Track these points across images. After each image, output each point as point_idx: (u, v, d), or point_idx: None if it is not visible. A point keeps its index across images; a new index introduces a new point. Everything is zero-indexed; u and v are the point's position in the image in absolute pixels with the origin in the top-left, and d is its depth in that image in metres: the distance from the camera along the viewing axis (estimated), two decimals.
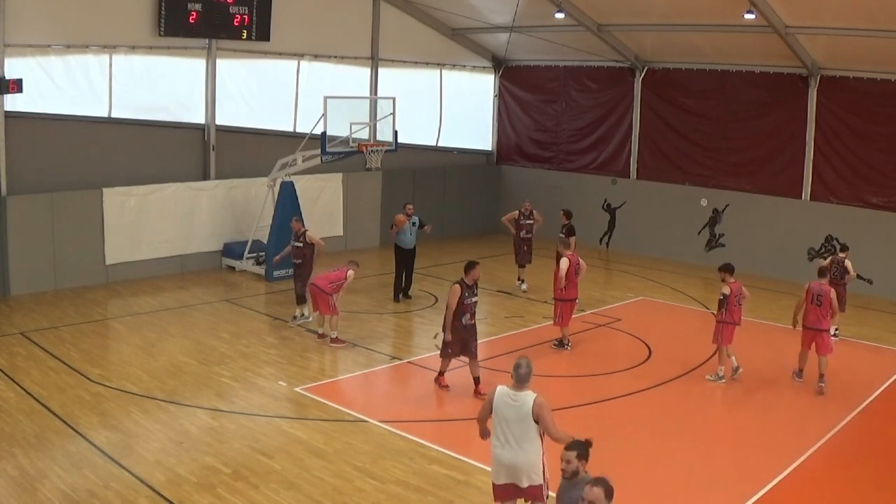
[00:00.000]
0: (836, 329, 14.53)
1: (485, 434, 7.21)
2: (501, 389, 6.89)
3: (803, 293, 11.94)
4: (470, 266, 10.93)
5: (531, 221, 17.08)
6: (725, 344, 11.88)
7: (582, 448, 5.90)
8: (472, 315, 10.96)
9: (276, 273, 16.92)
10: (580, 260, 13.55)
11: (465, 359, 11.23)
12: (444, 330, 10.97)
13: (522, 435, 6.74)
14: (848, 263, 14.19)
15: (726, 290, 11.79)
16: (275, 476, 8.64)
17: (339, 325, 13.35)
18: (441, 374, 11.38)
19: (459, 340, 10.93)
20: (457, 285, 10.80)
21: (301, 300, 14.33)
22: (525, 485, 6.86)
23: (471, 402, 10.70)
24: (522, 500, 7.07)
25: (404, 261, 16.22)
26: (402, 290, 16.25)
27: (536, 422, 6.71)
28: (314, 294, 13.20)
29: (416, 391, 12.02)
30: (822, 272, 12.26)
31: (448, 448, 9.35)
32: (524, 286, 17.00)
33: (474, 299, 10.95)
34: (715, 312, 12.15)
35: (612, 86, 21.95)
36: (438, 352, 11.34)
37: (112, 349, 13.04)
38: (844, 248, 14.63)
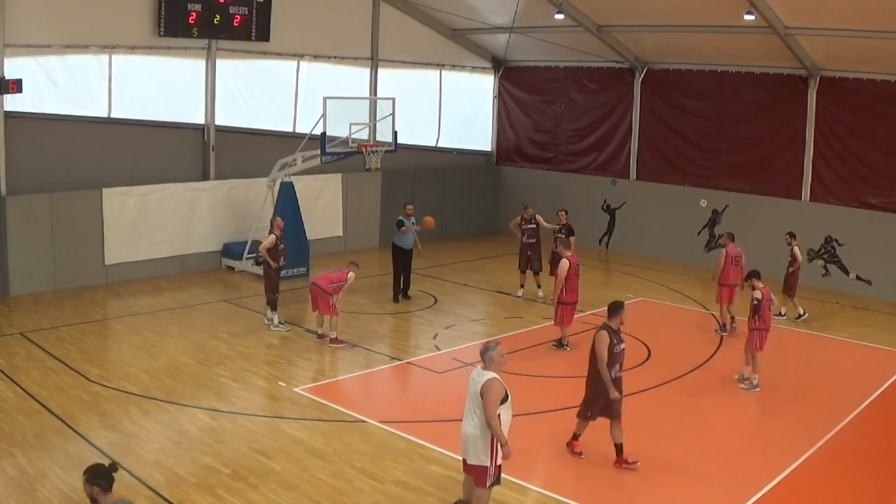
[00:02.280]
0: (785, 312, 15.60)
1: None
2: (477, 367, 7.41)
3: (721, 258, 14.42)
4: (618, 308, 9.11)
5: (533, 226, 16.62)
6: (760, 350, 11.72)
7: (94, 472, 5.07)
8: (622, 366, 9.10)
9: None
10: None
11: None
12: (609, 388, 8.87)
13: (472, 410, 7.23)
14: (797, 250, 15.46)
15: (758, 296, 11.64)
16: (274, 476, 8.64)
17: (339, 326, 13.34)
18: (576, 437, 9.43)
19: (604, 396, 8.95)
20: (604, 332, 8.90)
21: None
22: (470, 461, 7.32)
23: None
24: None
25: (403, 261, 16.22)
26: (401, 290, 16.25)
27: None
28: (314, 294, 13.19)
29: (415, 391, 12.03)
30: (732, 237, 14.73)
31: (447, 448, 9.32)
32: (540, 293, 16.57)
33: (622, 346, 9.02)
34: (748, 320, 11.94)
35: (612, 86, 21.96)
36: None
37: (111, 349, 13.04)
38: (794, 235, 15.51)
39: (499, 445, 7.12)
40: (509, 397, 7.16)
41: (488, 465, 7.19)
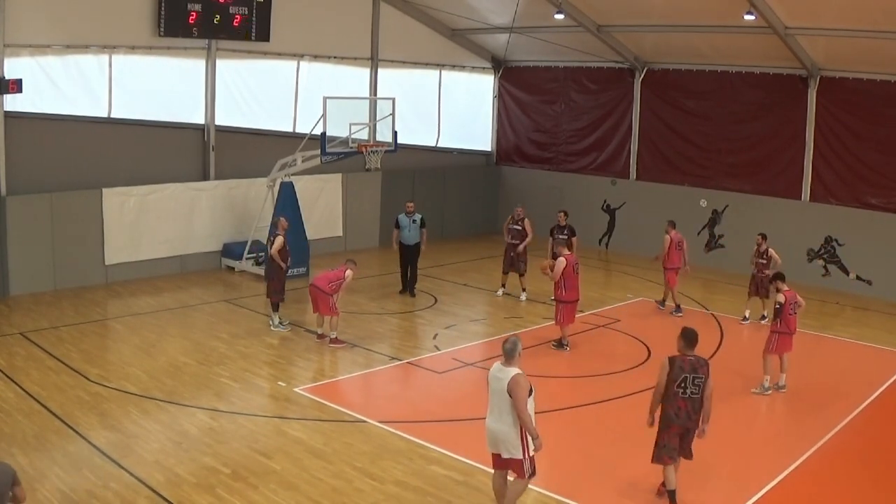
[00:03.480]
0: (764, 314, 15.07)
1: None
2: (496, 364, 7.47)
3: (666, 244, 15.57)
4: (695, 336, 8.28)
5: (518, 227, 16.43)
6: (782, 353, 11.60)
7: None
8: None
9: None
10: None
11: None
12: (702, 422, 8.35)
13: (501, 407, 7.27)
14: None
15: (781, 299, 11.49)
16: (274, 476, 8.64)
17: (339, 326, 13.34)
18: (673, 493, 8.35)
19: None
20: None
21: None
22: (505, 456, 7.42)
23: (470, 403, 10.63)
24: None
25: (405, 257, 16.26)
26: (407, 283, 16.32)
27: (511, 397, 7.15)
28: (314, 295, 13.17)
29: (415, 391, 12.02)
30: (673, 224, 15.82)
31: (447, 449, 9.34)
32: (523, 296, 16.44)
33: None
34: (770, 322, 11.83)
35: (612, 86, 21.96)
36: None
37: (111, 349, 13.04)
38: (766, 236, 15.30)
39: (530, 438, 7.27)
40: (533, 391, 7.31)
41: (522, 457, 7.34)
